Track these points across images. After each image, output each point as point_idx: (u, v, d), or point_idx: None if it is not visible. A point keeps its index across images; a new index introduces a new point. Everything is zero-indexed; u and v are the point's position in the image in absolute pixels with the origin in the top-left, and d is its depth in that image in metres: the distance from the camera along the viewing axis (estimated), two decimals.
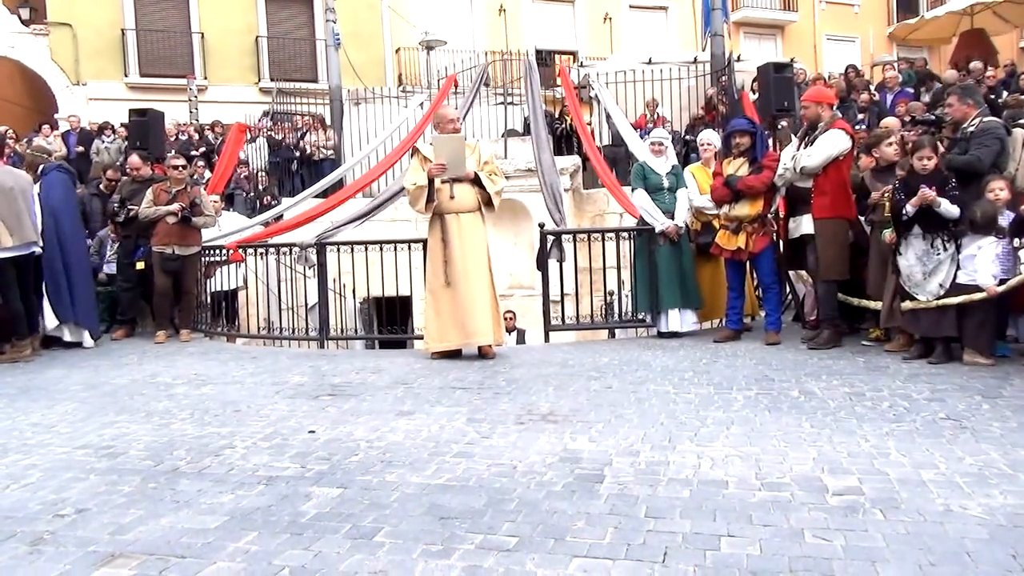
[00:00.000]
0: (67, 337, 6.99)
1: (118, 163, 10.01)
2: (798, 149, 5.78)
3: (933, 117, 5.87)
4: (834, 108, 6.13)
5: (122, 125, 12.74)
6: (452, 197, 5.74)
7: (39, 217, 6.70)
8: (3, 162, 7.14)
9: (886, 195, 5.44)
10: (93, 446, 3.77)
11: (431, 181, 5.68)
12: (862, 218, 5.88)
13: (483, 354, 5.87)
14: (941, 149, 5.28)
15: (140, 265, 7.64)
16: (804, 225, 5.78)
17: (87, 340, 7.09)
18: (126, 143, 11.80)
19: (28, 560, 2.48)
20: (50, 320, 6.90)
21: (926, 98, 10.55)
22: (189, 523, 2.74)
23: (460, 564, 2.36)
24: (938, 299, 4.99)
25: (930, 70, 13.25)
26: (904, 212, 5.08)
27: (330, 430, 3.93)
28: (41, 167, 7.16)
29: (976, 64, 11.28)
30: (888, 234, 5.35)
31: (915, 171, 5.15)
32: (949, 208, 4.94)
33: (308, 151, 13.27)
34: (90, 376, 5.65)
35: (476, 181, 5.79)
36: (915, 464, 3.11)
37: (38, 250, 6.71)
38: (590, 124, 13.08)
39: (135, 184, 7.87)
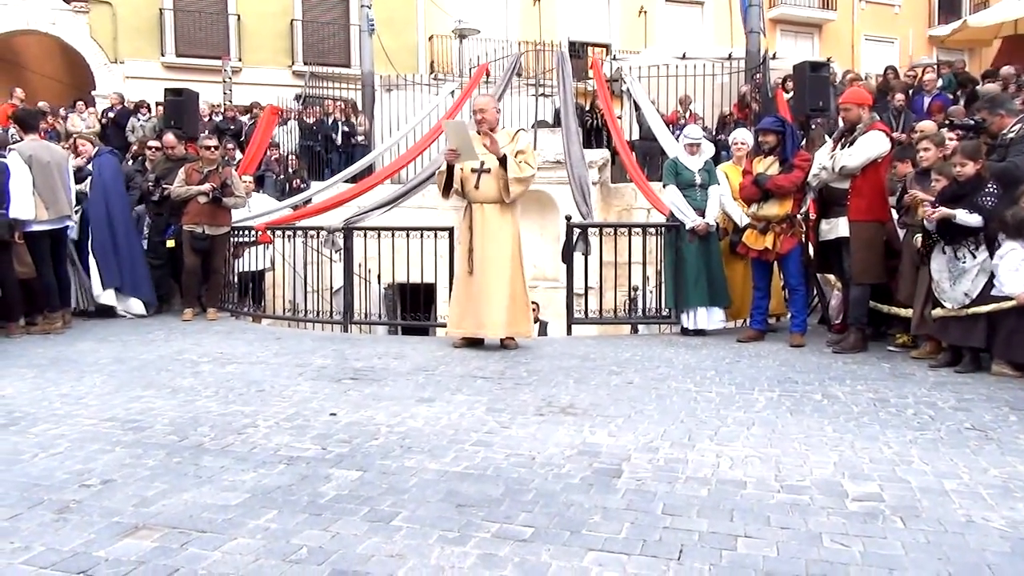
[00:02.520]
0: (113, 302, 7.31)
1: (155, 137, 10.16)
2: (834, 150, 5.70)
3: (972, 122, 5.75)
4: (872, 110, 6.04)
5: (158, 104, 12.89)
6: (477, 187, 5.74)
7: (73, 192, 6.85)
8: (41, 137, 7.28)
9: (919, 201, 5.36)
10: (120, 419, 3.84)
11: (451, 167, 5.74)
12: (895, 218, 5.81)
13: (504, 344, 5.89)
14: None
15: (170, 243, 7.76)
16: (840, 227, 5.70)
17: (135, 308, 7.43)
18: (161, 122, 11.94)
19: (54, 527, 2.54)
20: (96, 288, 7.24)
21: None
22: (211, 499, 2.79)
23: (476, 552, 2.38)
24: (965, 307, 4.92)
25: (969, 74, 12.97)
26: (924, 225, 5.04)
27: (351, 413, 3.97)
28: (96, 149, 7.60)
29: (1007, 70, 11.00)
30: (918, 238, 5.28)
31: (955, 177, 5.06)
32: (967, 218, 4.86)
33: (349, 134, 13.34)
34: (119, 350, 5.75)
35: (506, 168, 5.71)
36: (938, 473, 3.07)
37: (71, 223, 6.85)
38: (620, 118, 13.02)
39: (169, 163, 7.98)
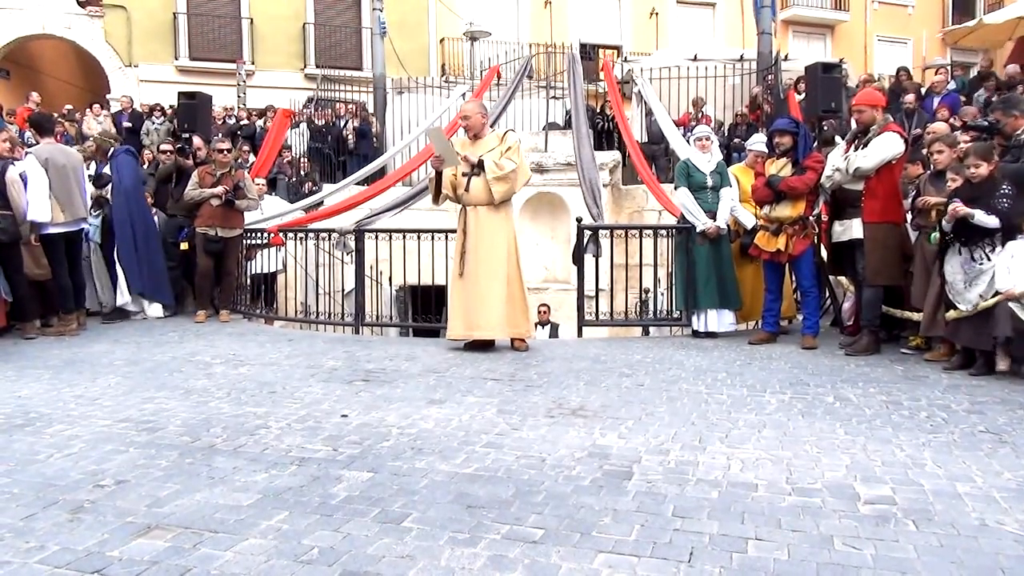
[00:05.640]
0: (136, 307, 7.40)
1: (168, 140, 10.30)
2: (847, 151, 5.68)
3: (986, 123, 5.71)
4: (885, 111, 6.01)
5: (171, 107, 13.00)
6: (467, 190, 5.77)
7: (88, 194, 6.92)
8: (57, 140, 7.36)
9: (931, 205, 5.34)
10: (133, 420, 3.87)
11: (439, 173, 5.83)
12: (908, 225, 5.78)
13: (515, 347, 5.90)
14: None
15: (184, 245, 7.82)
16: (854, 229, 5.67)
17: (154, 311, 7.51)
18: (174, 124, 12.05)
19: (68, 527, 2.56)
20: (123, 295, 7.33)
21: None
22: (223, 499, 2.81)
23: (486, 553, 2.38)
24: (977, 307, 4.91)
25: (982, 73, 12.92)
26: (942, 226, 5.01)
27: (362, 415, 3.98)
28: (111, 150, 7.58)
29: (1012, 68, 10.96)
30: (936, 237, 5.25)
31: (968, 178, 5.03)
32: (984, 219, 4.83)
33: (360, 135, 13.38)
34: (132, 352, 5.79)
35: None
36: (951, 476, 3.05)
37: (87, 226, 6.92)
38: (630, 120, 13.00)
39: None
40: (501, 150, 5.74)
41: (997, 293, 4.82)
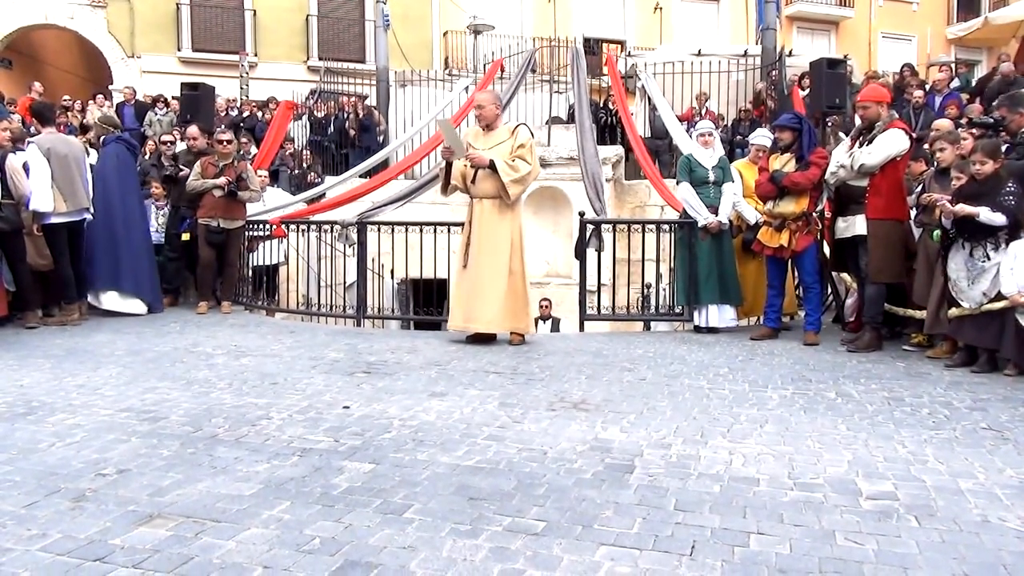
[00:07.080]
0: (114, 306, 7.05)
1: (173, 131, 10.27)
2: (852, 148, 5.66)
3: (991, 120, 5.70)
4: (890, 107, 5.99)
5: (174, 98, 12.97)
6: (473, 182, 5.77)
7: (91, 184, 6.90)
8: (59, 130, 7.34)
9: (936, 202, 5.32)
10: (135, 410, 3.87)
11: (449, 164, 5.82)
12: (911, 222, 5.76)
13: (511, 340, 5.89)
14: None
15: (186, 236, 7.82)
16: (858, 225, 5.66)
17: (134, 308, 7.15)
18: (178, 116, 12.02)
19: (71, 516, 2.56)
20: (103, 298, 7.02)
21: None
22: (225, 489, 2.81)
23: (488, 545, 2.38)
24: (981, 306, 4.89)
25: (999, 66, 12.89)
26: (942, 223, 5.00)
27: (364, 407, 3.98)
28: (102, 138, 7.43)
29: (1007, 66, 10.96)
30: (937, 234, 5.23)
31: (972, 176, 5.02)
32: (990, 216, 4.81)
33: (364, 127, 13.34)
34: (134, 342, 5.79)
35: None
36: (953, 473, 3.05)
37: (90, 216, 6.90)
38: (634, 115, 12.98)
39: (190, 155, 8.06)
40: (513, 145, 5.70)
41: (1000, 295, 4.80)
